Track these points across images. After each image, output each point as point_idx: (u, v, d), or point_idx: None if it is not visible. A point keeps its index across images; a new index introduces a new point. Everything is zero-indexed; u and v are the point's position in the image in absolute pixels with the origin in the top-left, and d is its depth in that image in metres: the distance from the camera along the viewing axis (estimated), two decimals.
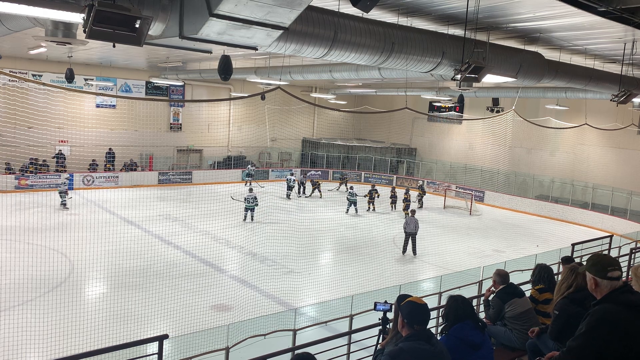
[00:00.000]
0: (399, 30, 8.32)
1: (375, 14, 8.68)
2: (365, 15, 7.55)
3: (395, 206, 24.61)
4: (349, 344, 7.24)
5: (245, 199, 20.18)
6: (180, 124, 30.19)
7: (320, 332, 7.79)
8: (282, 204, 23.41)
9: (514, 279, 6.26)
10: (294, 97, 11.01)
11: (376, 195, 24.07)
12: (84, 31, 4.62)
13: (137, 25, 4.70)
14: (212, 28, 5.04)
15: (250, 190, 20.69)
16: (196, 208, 20.83)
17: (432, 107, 31.42)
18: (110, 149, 26.77)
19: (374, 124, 34.24)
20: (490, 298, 5.65)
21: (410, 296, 3.60)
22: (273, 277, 13.66)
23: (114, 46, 5.16)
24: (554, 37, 10.76)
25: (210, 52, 8.84)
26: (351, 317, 8.04)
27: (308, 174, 30.01)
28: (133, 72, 27.80)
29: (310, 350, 3.57)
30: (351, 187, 24.68)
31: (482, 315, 5.76)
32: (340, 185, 29.70)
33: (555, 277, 6.83)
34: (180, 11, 5.29)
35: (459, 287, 8.97)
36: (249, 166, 29.82)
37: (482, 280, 9.39)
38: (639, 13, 8.01)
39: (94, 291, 12.64)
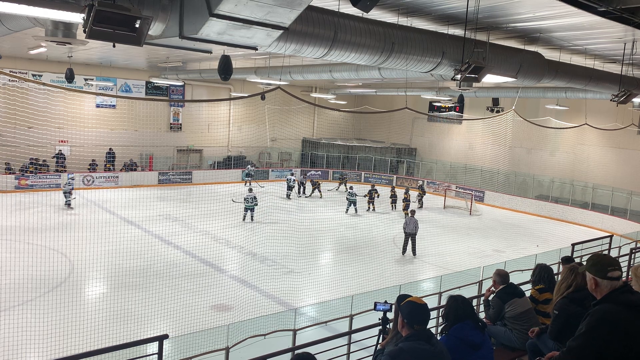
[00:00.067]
0: (399, 30, 8.32)
1: (375, 14, 8.68)
2: (365, 15, 7.55)
3: (395, 206, 24.62)
4: (349, 344, 7.24)
5: (245, 199, 20.18)
6: (180, 124, 30.19)
7: (320, 332, 7.79)
8: (282, 204, 23.41)
9: (514, 279, 6.26)
10: (294, 97, 11.01)
11: (376, 195, 24.07)
12: (84, 31, 4.62)
13: (137, 25, 4.70)
14: (212, 28, 5.04)
15: (250, 190, 20.69)
16: (196, 208, 20.83)
17: (432, 107, 31.43)
18: (110, 149, 26.77)
19: (374, 124, 34.24)
20: (490, 298, 5.65)
21: (410, 296, 3.60)
22: (273, 277, 13.66)
23: (114, 46, 5.16)
24: (554, 37, 10.76)
25: (210, 52, 8.85)
26: (351, 317, 8.04)
27: (308, 174, 30.01)
28: (133, 72, 27.81)
29: (310, 350, 3.57)
30: (351, 187, 24.68)
31: (482, 315, 5.76)
32: (339, 185, 29.70)
33: (555, 277, 6.83)
34: (180, 11, 5.29)
35: (459, 287, 8.97)
36: (249, 166, 29.82)
37: (482, 280, 9.39)
38: (639, 13, 8.01)
39: (94, 291, 12.64)
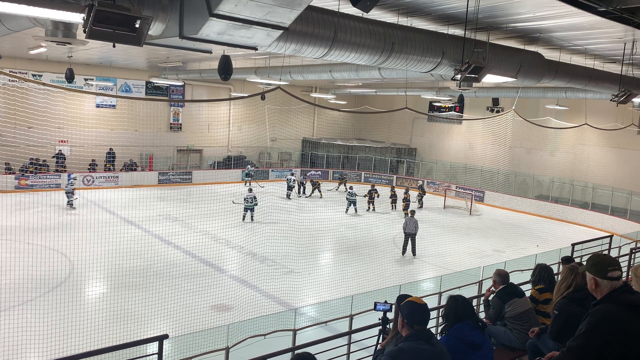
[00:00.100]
0: (399, 30, 8.32)
1: (375, 14, 8.68)
2: (365, 15, 7.55)
3: (395, 206, 24.62)
4: (349, 344, 7.24)
5: (244, 199, 20.18)
6: (180, 124, 30.19)
7: (320, 332, 7.79)
8: (282, 204, 23.41)
9: (514, 279, 6.26)
10: (294, 97, 11.01)
11: (376, 195, 24.08)
12: (84, 31, 4.62)
13: (137, 25, 4.70)
14: (212, 28, 5.04)
15: (250, 190, 20.69)
16: (196, 208, 20.83)
17: (432, 107, 31.43)
18: (110, 148, 26.77)
19: (374, 124, 34.24)
20: (490, 298, 5.65)
21: (410, 296, 3.60)
22: (273, 277, 13.66)
23: (114, 46, 5.16)
24: (554, 37, 10.76)
25: (210, 52, 8.84)
26: (351, 317, 8.04)
27: (308, 174, 30.02)
28: (133, 72, 27.80)
29: (310, 350, 3.57)
30: (350, 187, 24.68)
31: (482, 315, 5.76)
32: (339, 185, 29.71)
33: (555, 277, 6.83)
34: (180, 11, 5.29)
35: (459, 287, 8.97)
36: (249, 166, 29.82)
37: (482, 280, 9.39)
38: (639, 13, 8.01)
39: (94, 291, 12.64)
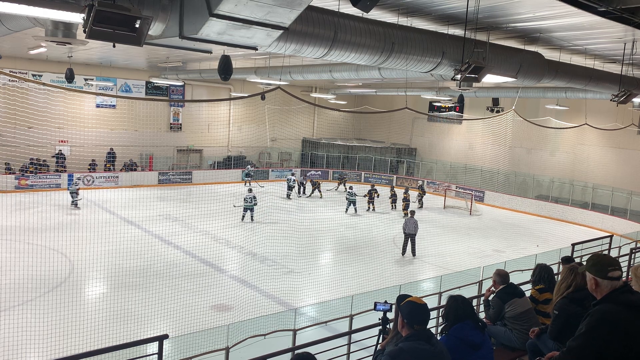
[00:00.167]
0: (399, 30, 8.32)
1: (375, 14, 8.68)
2: (365, 15, 7.55)
3: (395, 205, 24.62)
4: (349, 344, 7.24)
5: (244, 199, 20.18)
6: (180, 124, 30.19)
7: (320, 332, 7.79)
8: (282, 204, 23.41)
9: (514, 279, 6.26)
10: (294, 97, 11.01)
11: (376, 195, 24.08)
12: (84, 31, 4.62)
13: (137, 25, 4.70)
14: (212, 28, 5.04)
15: (250, 190, 20.68)
16: (196, 208, 20.82)
17: (432, 107, 31.42)
18: (111, 148, 26.77)
19: (374, 124, 34.23)
20: (490, 298, 5.65)
21: (410, 296, 3.60)
22: (273, 277, 13.66)
23: (114, 46, 5.16)
24: (554, 37, 10.76)
25: (210, 52, 8.85)
26: (351, 317, 8.04)
27: (308, 174, 30.03)
28: (133, 72, 27.80)
29: (310, 350, 3.57)
30: (350, 187, 24.68)
31: (482, 315, 5.76)
32: (338, 185, 29.71)
33: (556, 277, 6.83)
34: (180, 11, 5.29)
35: (459, 287, 8.97)
36: (248, 166, 29.83)
37: (482, 280, 9.39)
38: (639, 13, 8.01)
39: (94, 291, 12.64)
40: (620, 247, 12.59)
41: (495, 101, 25.41)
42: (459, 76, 8.53)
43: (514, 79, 10.32)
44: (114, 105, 27.52)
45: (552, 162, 27.44)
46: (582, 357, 3.03)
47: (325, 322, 8.48)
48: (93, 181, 25.47)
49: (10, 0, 4.55)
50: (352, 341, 7.29)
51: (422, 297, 4.45)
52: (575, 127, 22.45)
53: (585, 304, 4.18)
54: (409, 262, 16.41)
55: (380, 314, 4.43)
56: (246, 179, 28.26)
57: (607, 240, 11.95)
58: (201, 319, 10.52)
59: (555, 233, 21.57)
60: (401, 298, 3.58)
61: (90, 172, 25.73)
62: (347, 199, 23.41)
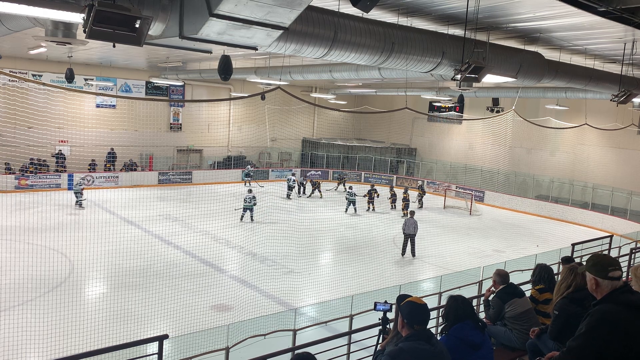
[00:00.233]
0: (399, 30, 8.32)
1: (375, 14, 8.68)
2: (365, 15, 7.55)
3: (394, 205, 24.63)
4: (349, 344, 7.24)
5: (244, 199, 20.18)
6: (180, 124, 30.19)
7: (320, 332, 7.79)
8: (282, 204, 23.42)
9: (514, 279, 6.26)
10: (294, 97, 11.00)
11: (375, 195, 24.09)
12: (84, 31, 4.62)
13: (137, 25, 4.70)
14: (212, 28, 5.04)
15: (250, 191, 20.67)
16: (196, 208, 20.82)
17: (432, 107, 31.42)
18: (112, 149, 26.77)
19: (374, 124, 34.24)
20: (490, 298, 5.65)
21: (410, 296, 3.60)
22: (273, 277, 13.66)
23: (114, 46, 5.15)
24: (554, 37, 10.76)
25: (210, 52, 8.85)
26: (351, 317, 8.04)
27: (308, 174, 30.03)
28: (133, 72, 27.80)
29: (310, 350, 3.57)
30: (350, 187, 24.68)
31: (482, 315, 5.76)
32: (338, 185, 29.71)
33: (556, 277, 6.83)
34: (180, 11, 5.29)
35: (459, 287, 8.97)
36: (248, 166, 29.84)
37: (482, 280, 9.39)
38: (639, 13, 8.01)
39: (94, 291, 12.64)
40: (620, 247, 12.59)
41: (495, 101, 25.41)
42: (459, 76, 8.53)
43: (514, 79, 10.31)
44: (114, 105, 27.52)
45: (552, 162, 27.44)
46: (582, 357, 3.03)
47: (325, 322, 8.49)
48: (93, 181, 25.47)
49: (10, 0, 4.55)
50: (352, 341, 7.29)
51: (422, 297, 4.45)
52: (575, 127, 22.45)
53: (585, 304, 4.18)
54: (408, 262, 16.41)
55: (380, 314, 4.43)
56: (246, 179, 28.27)
57: (607, 240, 11.95)
58: (201, 319, 10.52)
59: (555, 233, 21.57)
60: (401, 298, 3.58)
61: (90, 172, 25.73)
62: (347, 199, 23.41)
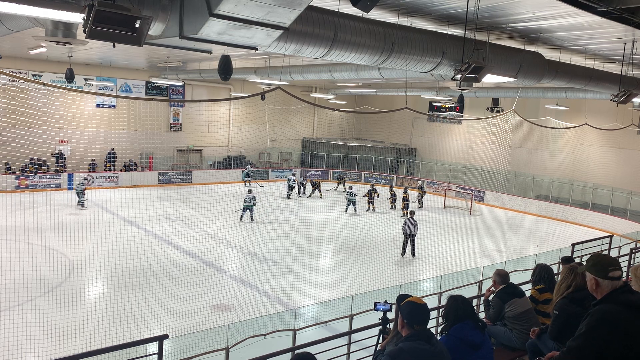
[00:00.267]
0: (399, 30, 8.32)
1: (375, 14, 8.68)
2: (365, 15, 7.55)
3: (394, 205, 24.62)
4: (349, 344, 7.24)
5: (244, 199, 20.18)
6: (180, 124, 30.19)
7: (320, 332, 7.79)
8: (282, 204, 23.42)
9: (514, 279, 6.26)
10: (294, 97, 11.00)
11: (375, 195, 24.09)
12: (84, 31, 4.62)
13: (137, 25, 4.70)
14: (212, 28, 5.04)
15: (249, 191, 20.66)
16: (196, 208, 20.83)
17: (432, 107, 31.42)
18: (112, 149, 26.77)
19: (374, 124, 34.24)
20: (490, 298, 5.65)
21: (410, 296, 3.59)
22: (273, 277, 13.66)
23: (114, 46, 5.15)
24: (554, 37, 10.76)
25: (210, 52, 8.85)
26: (351, 317, 8.04)
27: (308, 174, 30.04)
28: (133, 72, 27.80)
29: (310, 350, 3.57)
30: (350, 187, 24.68)
31: (482, 315, 5.76)
32: (338, 185, 29.71)
33: (556, 277, 6.83)
34: (180, 11, 5.29)
35: (459, 287, 8.97)
36: (248, 166, 29.84)
37: (482, 280, 9.39)
38: (639, 13, 8.01)
39: (94, 291, 12.64)
40: (620, 247, 12.59)
41: (495, 101, 25.41)
42: (459, 76, 8.53)
43: (514, 79, 10.31)
44: (114, 105, 27.52)
45: (552, 162, 27.44)
46: (582, 357, 3.03)
47: (325, 322, 8.49)
48: (93, 181, 25.47)
49: (10, 0, 4.55)
50: (352, 341, 7.29)
51: (422, 297, 4.45)
52: (575, 127, 22.45)
53: (585, 304, 4.18)
54: (408, 262, 16.41)
55: (380, 314, 4.43)
56: (246, 179, 28.27)
57: (607, 240, 11.95)
58: (201, 319, 10.52)
59: (555, 233, 21.57)
60: (401, 298, 3.58)
61: (90, 172, 25.72)
62: (346, 198, 23.41)
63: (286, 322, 8.12)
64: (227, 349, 6.82)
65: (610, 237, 12.15)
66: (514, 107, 18.35)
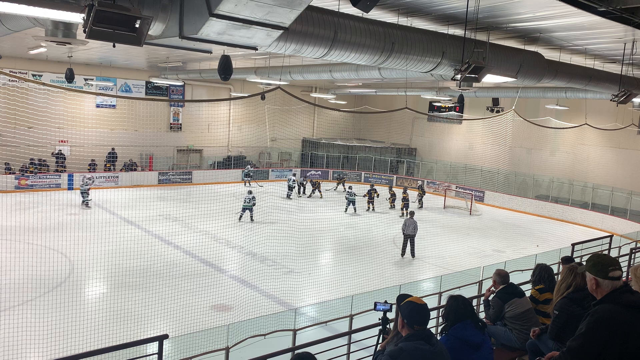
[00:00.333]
0: (399, 30, 8.32)
1: (375, 14, 8.68)
2: (365, 15, 7.55)
3: (394, 205, 24.62)
4: (349, 344, 7.23)
5: (244, 199, 20.17)
6: (180, 124, 30.20)
7: (320, 332, 7.80)
8: (282, 204, 23.42)
9: (514, 279, 6.26)
10: (294, 97, 11.00)
11: (375, 195, 24.09)
12: (84, 31, 4.62)
13: (137, 25, 4.70)
14: (212, 28, 5.04)
15: (250, 192, 20.66)
16: (196, 208, 20.82)
17: (432, 107, 31.42)
18: (112, 149, 26.77)
19: (374, 124, 34.25)
20: (490, 298, 5.65)
21: (410, 296, 3.59)
22: (273, 277, 13.66)
23: (114, 46, 5.15)
24: (554, 37, 10.76)
25: (210, 52, 8.86)
26: (351, 317, 8.04)
27: (308, 174, 30.04)
28: (133, 72, 27.81)
29: (310, 350, 3.57)
30: (350, 187, 24.68)
31: (482, 315, 5.76)
32: (337, 185, 29.71)
33: (556, 277, 6.83)
34: (180, 11, 5.29)
35: (459, 287, 8.97)
36: (248, 166, 29.84)
37: (482, 280, 9.39)
38: (639, 13, 8.01)
39: (94, 291, 12.64)
40: (620, 247, 12.58)
41: (495, 101, 25.41)
42: (459, 76, 8.54)
43: (514, 79, 10.31)
44: (114, 105, 27.52)
45: (552, 162, 27.44)
46: (582, 357, 3.03)
47: (325, 322, 8.49)
48: (93, 181, 25.46)
49: (10, 0, 4.55)
50: (352, 341, 7.28)
51: (422, 297, 4.44)
52: (575, 127, 22.45)
53: (585, 304, 4.19)
54: (408, 262, 16.41)
55: (380, 314, 4.43)
56: (246, 179, 28.27)
57: (607, 240, 11.94)
58: (201, 319, 10.52)
59: (555, 233, 21.57)
60: (401, 298, 3.58)
61: (90, 172, 25.72)
62: (346, 198, 23.41)
63: (286, 322, 8.12)
64: (227, 349, 6.82)
65: (610, 237, 12.14)
66: (514, 107, 18.35)
